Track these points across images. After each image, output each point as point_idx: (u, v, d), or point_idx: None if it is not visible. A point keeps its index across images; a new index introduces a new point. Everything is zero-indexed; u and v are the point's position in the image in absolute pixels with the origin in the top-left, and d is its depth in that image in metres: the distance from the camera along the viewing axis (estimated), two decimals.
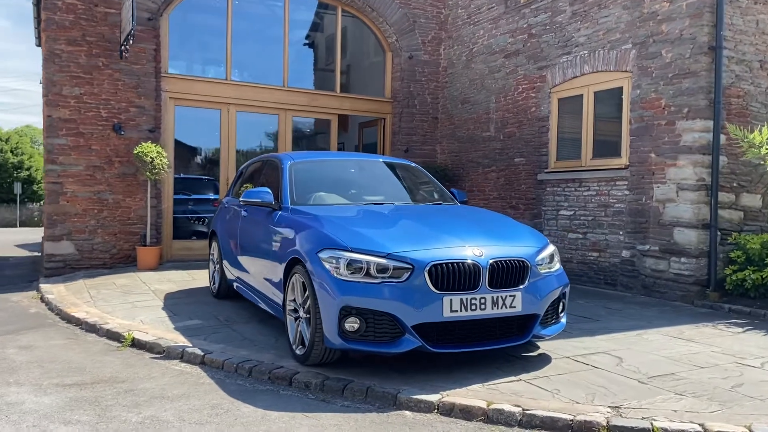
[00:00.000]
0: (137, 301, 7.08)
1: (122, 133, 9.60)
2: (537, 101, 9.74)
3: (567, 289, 4.84)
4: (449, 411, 3.82)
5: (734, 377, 4.37)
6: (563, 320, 4.85)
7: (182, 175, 11.08)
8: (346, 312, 4.13)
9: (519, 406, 3.75)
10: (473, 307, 4.19)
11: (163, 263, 9.97)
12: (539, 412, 3.67)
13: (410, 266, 4.13)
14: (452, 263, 4.17)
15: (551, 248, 4.83)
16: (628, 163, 8.16)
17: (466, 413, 3.78)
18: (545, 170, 9.54)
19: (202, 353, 4.92)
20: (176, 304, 6.91)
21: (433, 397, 3.90)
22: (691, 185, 7.35)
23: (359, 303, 4.11)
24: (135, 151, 9.30)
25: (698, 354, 4.98)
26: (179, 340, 5.36)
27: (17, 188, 37.00)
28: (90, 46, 9.41)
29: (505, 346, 4.45)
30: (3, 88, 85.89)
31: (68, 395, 4.17)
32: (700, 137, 7.27)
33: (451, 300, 4.13)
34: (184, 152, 10.97)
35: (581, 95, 8.98)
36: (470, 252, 4.27)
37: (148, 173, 9.33)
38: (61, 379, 4.52)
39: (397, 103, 11.94)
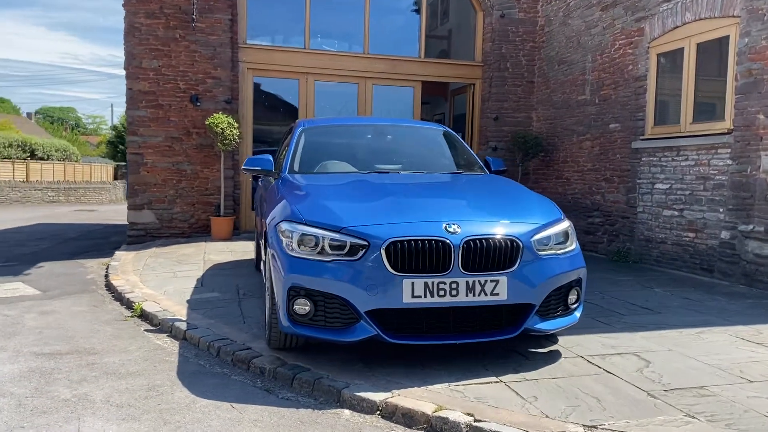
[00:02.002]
0: (180, 271, 7.07)
1: (198, 104, 9.70)
2: (634, 58, 8.48)
3: (583, 275, 4.01)
4: (391, 414, 3.25)
5: None
6: (576, 313, 4.03)
7: (264, 147, 11.05)
8: (295, 292, 3.66)
9: (471, 416, 3.10)
10: (441, 292, 3.54)
11: (239, 233, 10.03)
12: (489, 426, 2.99)
13: (366, 243, 3.56)
14: (416, 241, 3.54)
15: (563, 225, 4.01)
16: (732, 128, 6.83)
17: (409, 418, 3.19)
18: (641, 137, 8.31)
19: (185, 329, 4.70)
20: (213, 275, 6.81)
21: (378, 396, 3.34)
22: None
23: (308, 283, 3.61)
24: (207, 122, 9.35)
25: (758, 363, 3.94)
26: (180, 313, 5.18)
27: None
28: (167, 18, 9.55)
29: (486, 340, 3.75)
30: None
31: (32, 365, 4.10)
32: None
33: (412, 283, 3.51)
34: (264, 123, 10.90)
35: (682, 48, 7.66)
36: (444, 228, 3.60)
37: (219, 144, 9.36)
38: (42, 348, 4.49)
39: (487, 67, 11.07)
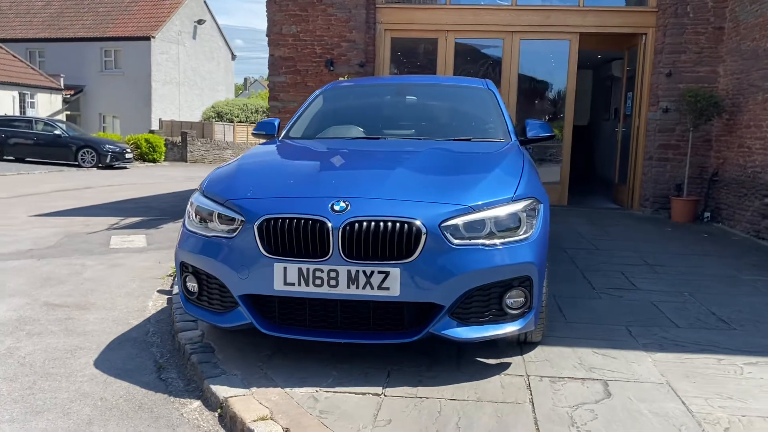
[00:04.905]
0: None
1: (332, 68, 9.72)
2: None
3: (532, 272, 3.10)
4: (224, 415, 2.89)
5: None
6: (519, 321, 3.14)
7: None
8: (185, 268, 3.43)
9: (286, 431, 2.61)
10: (318, 281, 3.01)
11: None
12: None
13: (242, 218, 3.16)
14: (291, 219, 3.04)
15: (510, 208, 3.13)
16: None
17: (233, 423, 2.81)
18: None
19: (175, 293, 4.73)
20: None
21: (227, 393, 2.99)
22: None
23: (192, 260, 3.36)
24: None
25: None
26: None
27: None
28: None
29: (376, 343, 3.13)
30: None
31: (27, 314, 4.43)
32: None
33: (284, 268, 3.03)
34: None
35: None
36: (329, 207, 3.04)
37: None
38: (57, 298, 4.84)
39: (662, 13, 9.31)
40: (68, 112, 31.42)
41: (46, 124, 22.42)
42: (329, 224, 2.98)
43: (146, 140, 25.59)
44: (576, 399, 2.91)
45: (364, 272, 2.97)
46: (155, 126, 30.89)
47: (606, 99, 14.33)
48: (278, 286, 3.06)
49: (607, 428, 2.63)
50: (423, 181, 3.33)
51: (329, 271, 2.99)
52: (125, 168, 22.34)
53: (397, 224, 2.96)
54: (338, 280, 2.99)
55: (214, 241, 3.24)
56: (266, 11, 9.84)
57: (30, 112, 27.83)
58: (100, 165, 21.49)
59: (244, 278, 3.12)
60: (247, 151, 4.13)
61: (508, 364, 3.32)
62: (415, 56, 10.52)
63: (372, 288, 2.97)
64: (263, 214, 3.09)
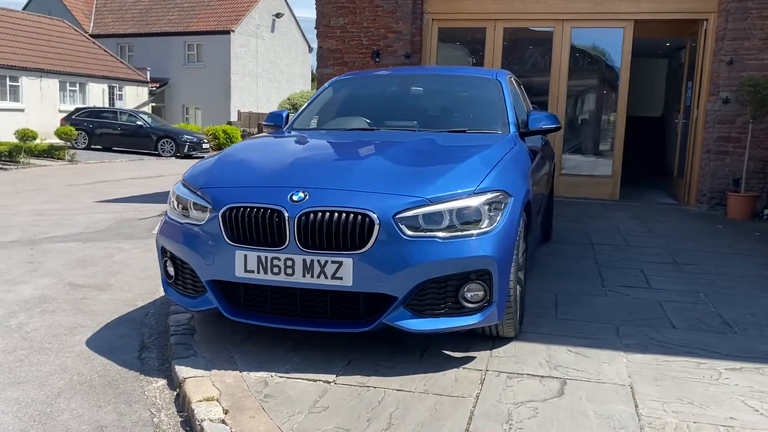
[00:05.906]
0: None
1: (378, 60, 9.76)
2: None
3: (491, 266, 3.05)
4: (179, 395, 3.03)
5: None
6: (477, 315, 3.10)
7: None
8: (164, 254, 3.59)
9: (226, 413, 2.71)
10: (275, 269, 3.08)
11: None
12: (213, 427, 2.58)
13: (210, 206, 3.28)
14: (252, 208, 3.12)
15: (472, 201, 3.09)
16: None
17: (182, 402, 2.96)
18: None
19: None
20: None
21: (188, 373, 3.12)
22: None
23: (169, 245, 3.51)
24: None
25: (722, 428, 2.56)
26: None
27: None
28: None
29: (332, 331, 3.16)
30: None
31: (49, 293, 4.76)
32: None
33: (245, 256, 3.13)
34: None
35: None
36: (288, 197, 3.10)
37: None
38: (80, 279, 5.16)
39: None
40: (154, 104, 33.01)
41: (129, 115, 23.67)
42: (286, 214, 3.05)
43: (223, 131, 26.49)
44: (525, 396, 2.85)
45: (318, 262, 3.02)
46: (234, 117, 31.96)
47: (679, 89, 13.66)
48: (239, 273, 3.16)
49: (540, 427, 2.57)
50: (390, 172, 3.34)
51: (286, 259, 3.06)
52: (202, 158, 23.25)
53: (351, 215, 2.99)
54: (294, 268, 3.06)
55: (186, 228, 3.38)
56: (315, 4, 10.00)
57: (118, 104, 29.43)
58: (178, 155, 22.47)
59: (210, 264, 3.25)
60: (254, 143, 4.24)
61: (472, 358, 3.28)
62: (462, 46, 10.40)
63: (326, 277, 3.02)
64: (227, 202, 3.20)
